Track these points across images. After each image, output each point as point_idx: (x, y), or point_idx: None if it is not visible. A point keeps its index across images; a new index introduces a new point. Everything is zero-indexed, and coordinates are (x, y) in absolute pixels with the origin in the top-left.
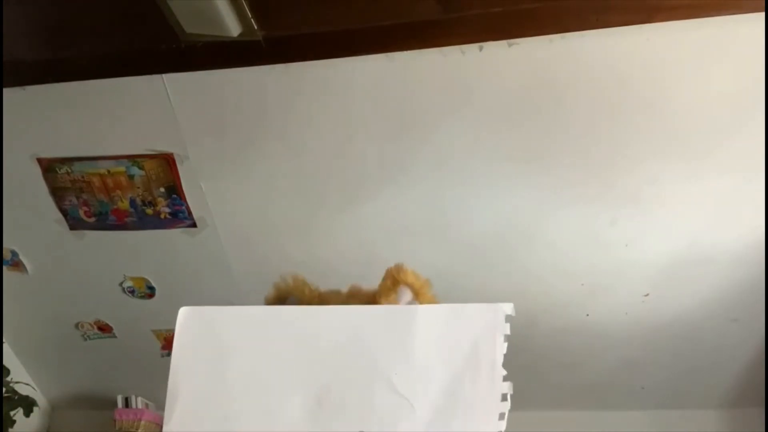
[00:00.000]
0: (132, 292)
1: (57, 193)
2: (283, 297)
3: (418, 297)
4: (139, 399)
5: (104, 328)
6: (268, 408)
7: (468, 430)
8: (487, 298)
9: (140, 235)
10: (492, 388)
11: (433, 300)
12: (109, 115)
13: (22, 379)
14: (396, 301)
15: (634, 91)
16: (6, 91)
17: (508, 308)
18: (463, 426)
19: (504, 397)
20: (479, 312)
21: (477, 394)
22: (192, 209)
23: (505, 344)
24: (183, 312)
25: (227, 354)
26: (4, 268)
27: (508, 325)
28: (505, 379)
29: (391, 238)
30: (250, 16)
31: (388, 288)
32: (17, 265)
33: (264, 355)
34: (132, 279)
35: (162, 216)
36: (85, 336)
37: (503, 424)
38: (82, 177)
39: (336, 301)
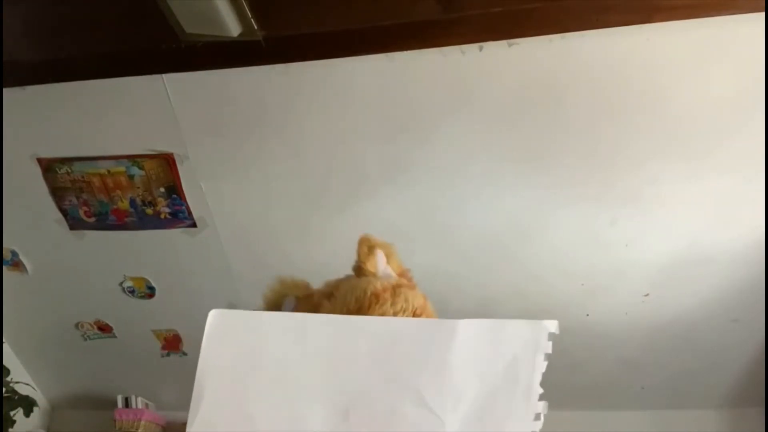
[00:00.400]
0: (132, 292)
1: (57, 193)
2: (278, 302)
3: (389, 260)
4: (139, 399)
5: (104, 328)
6: (292, 415)
7: None
8: (487, 298)
9: (140, 235)
10: (527, 408)
11: (400, 262)
12: (109, 115)
13: (22, 379)
14: (376, 264)
15: (634, 91)
16: (6, 91)
17: (552, 326)
18: None
19: (537, 417)
20: (522, 329)
21: (510, 412)
22: (192, 209)
23: (545, 363)
24: (213, 314)
25: (255, 358)
26: (4, 268)
27: (550, 343)
28: (540, 398)
29: (391, 238)
30: (250, 16)
31: (366, 253)
32: (17, 265)
33: (292, 363)
34: (132, 279)
35: (162, 216)
36: (85, 336)
37: None
38: (82, 177)
39: (326, 290)
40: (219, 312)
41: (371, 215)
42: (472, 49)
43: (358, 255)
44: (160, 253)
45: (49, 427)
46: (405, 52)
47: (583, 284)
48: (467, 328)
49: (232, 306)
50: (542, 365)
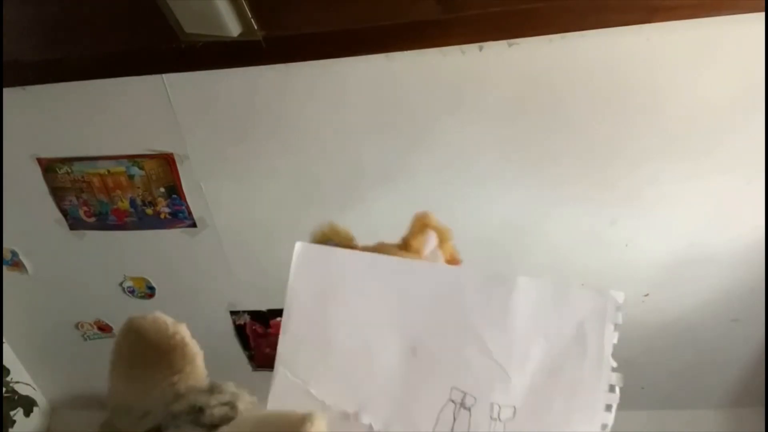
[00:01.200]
0: (132, 292)
1: (57, 193)
2: (322, 243)
3: (442, 244)
4: None
5: (104, 328)
6: (365, 345)
7: (570, 416)
8: None
9: (140, 235)
10: (599, 377)
11: (454, 250)
12: (109, 115)
13: (22, 379)
14: (423, 243)
15: (634, 91)
16: (6, 91)
17: (619, 297)
18: (564, 410)
19: (612, 389)
20: (587, 295)
21: (581, 380)
22: (192, 209)
23: (616, 333)
24: (299, 246)
25: (334, 289)
26: (4, 268)
27: (620, 314)
28: (614, 370)
29: (391, 238)
30: (250, 16)
31: (417, 231)
32: (17, 265)
33: (366, 297)
34: (132, 279)
35: (162, 216)
36: (85, 336)
37: (610, 417)
38: (82, 177)
39: (368, 247)
40: (305, 245)
41: (371, 215)
42: (472, 49)
43: (410, 230)
44: (160, 253)
45: (49, 427)
46: (404, 52)
47: (583, 284)
48: (528, 285)
49: (232, 306)
50: (613, 336)
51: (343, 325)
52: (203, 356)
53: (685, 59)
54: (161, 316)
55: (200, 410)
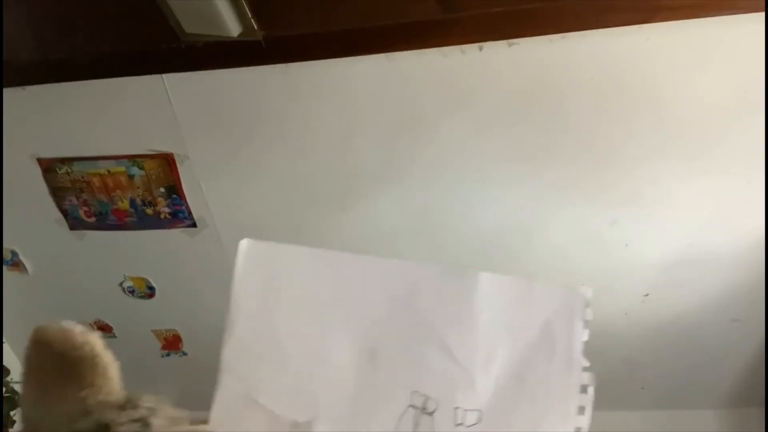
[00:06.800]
0: (132, 292)
1: (57, 193)
2: None
3: None
4: None
5: (104, 328)
6: (319, 349)
7: (540, 420)
8: None
9: (140, 235)
10: (569, 377)
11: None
12: (109, 115)
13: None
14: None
15: (634, 91)
16: (6, 91)
17: (587, 292)
18: (533, 414)
19: (584, 389)
20: (552, 292)
21: (550, 381)
22: (192, 209)
23: (585, 331)
24: (244, 243)
25: (284, 289)
26: (4, 268)
27: (588, 310)
28: (585, 369)
29: (391, 239)
30: (250, 16)
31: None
32: (17, 265)
33: (320, 297)
34: (132, 279)
35: (162, 216)
36: None
37: (584, 420)
38: (82, 177)
39: None
40: (251, 241)
41: (371, 215)
42: (472, 49)
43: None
44: (160, 253)
45: None
46: (405, 52)
47: (583, 284)
48: (491, 282)
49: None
50: (582, 333)
51: (294, 327)
52: (118, 367)
53: (685, 59)
54: (69, 324)
55: (106, 428)
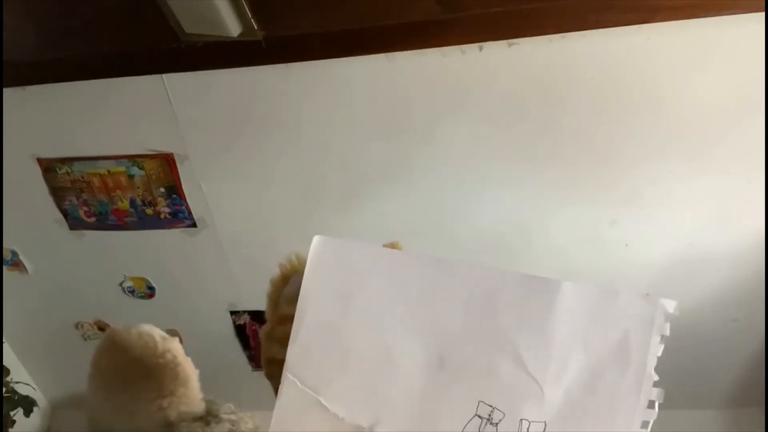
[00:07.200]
0: (132, 292)
1: (57, 193)
2: (288, 276)
3: None
4: None
5: (104, 328)
6: (386, 354)
7: None
8: None
9: (140, 235)
10: (639, 392)
11: None
12: (109, 115)
13: (22, 379)
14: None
15: (634, 91)
16: (6, 91)
17: (670, 306)
18: (597, 427)
19: (651, 405)
20: (635, 303)
21: (620, 394)
22: (192, 209)
23: (661, 346)
24: (317, 240)
25: (354, 291)
26: (4, 268)
27: (667, 325)
28: (656, 385)
29: (391, 239)
30: (250, 16)
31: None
32: (17, 265)
33: (390, 300)
34: (132, 279)
35: (162, 216)
36: (85, 336)
37: None
38: (82, 177)
39: None
40: (323, 238)
41: (371, 215)
42: (472, 49)
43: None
44: (160, 253)
45: (49, 427)
46: (405, 52)
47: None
48: (572, 290)
49: (233, 306)
50: (658, 348)
51: (363, 330)
52: (198, 376)
53: (685, 59)
54: (150, 330)
55: None
